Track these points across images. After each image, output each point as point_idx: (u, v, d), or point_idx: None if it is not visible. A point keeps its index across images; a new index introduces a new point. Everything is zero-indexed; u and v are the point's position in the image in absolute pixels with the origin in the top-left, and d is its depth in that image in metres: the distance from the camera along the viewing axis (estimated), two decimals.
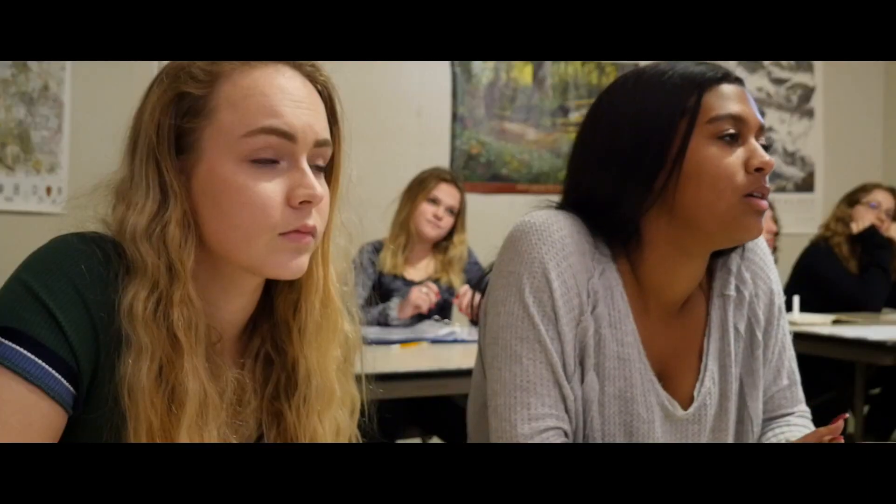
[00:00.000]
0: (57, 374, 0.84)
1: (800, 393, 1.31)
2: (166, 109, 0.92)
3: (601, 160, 1.14)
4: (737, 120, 1.12)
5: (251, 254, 0.92)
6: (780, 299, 1.28)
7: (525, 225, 1.13)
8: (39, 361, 0.84)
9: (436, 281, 3.18)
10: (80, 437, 0.89)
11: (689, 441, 1.18)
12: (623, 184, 1.12)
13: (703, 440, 1.19)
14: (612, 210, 1.13)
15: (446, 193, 3.18)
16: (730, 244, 1.17)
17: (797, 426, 1.28)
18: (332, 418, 1.03)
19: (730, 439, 1.22)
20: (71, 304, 0.85)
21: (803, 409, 1.32)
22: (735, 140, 1.12)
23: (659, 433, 1.15)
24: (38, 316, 0.84)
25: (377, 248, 3.20)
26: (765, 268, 1.27)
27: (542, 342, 1.09)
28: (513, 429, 1.08)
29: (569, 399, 1.10)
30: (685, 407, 1.18)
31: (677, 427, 1.17)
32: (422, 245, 3.22)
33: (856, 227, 3.75)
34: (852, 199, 3.85)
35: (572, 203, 1.18)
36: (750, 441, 1.23)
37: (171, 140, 0.92)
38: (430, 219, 3.16)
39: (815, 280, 3.76)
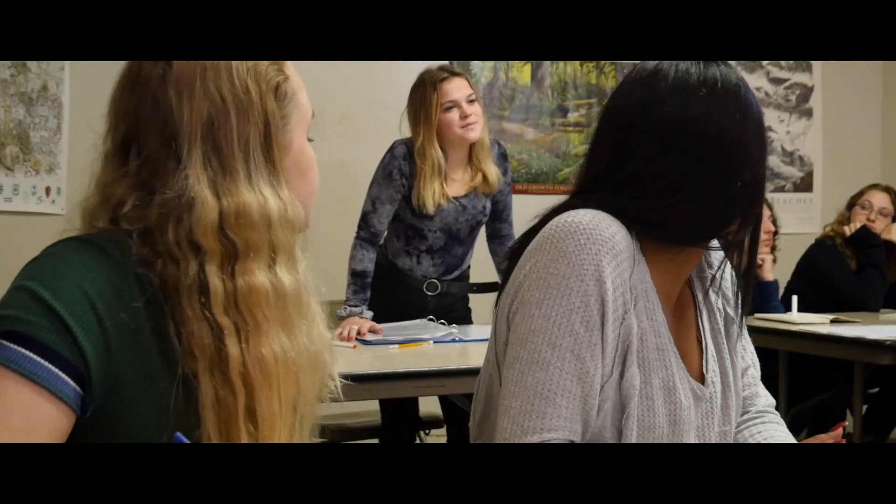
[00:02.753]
0: (63, 375, 0.84)
1: (759, 374, 1.36)
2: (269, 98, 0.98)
3: (710, 187, 1.12)
4: None
5: (309, 216, 1.04)
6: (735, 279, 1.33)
7: (570, 225, 1.08)
8: (43, 361, 0.84)
9: (467, 195, 2.91)
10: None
11: (707, 420, 1.19)
12: (730, 211, 1.14)
13: (716, 419, 1.20)
14: (700, 228, 1.14)
15: (457, 88, 2.82)
16: None
17: (773, 423, 1.32)
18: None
19: (734, 415, 1.24)
20: (77, 303, 0.86)
21: (771, 401, 1.36)
22: None
23: (693, 417, 1.16)
24: (43, 319, 0.85)
25: (411, 150, 2.85)
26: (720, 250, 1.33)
27: (577, 352, 1.06)
28: (524, 435, 1.05)
29: (591, 413, 1.08)
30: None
31: (701, 407, 1.18)
32: (457, 154, 2.88)
33: (848, 231, 3.80)
34: (851, 201, 3.91)
35: (621, 208, 1.13)
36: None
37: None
38: (462, 124, 2.80)
39: (816, 276, 3.80)
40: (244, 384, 0.91)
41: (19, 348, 0.83)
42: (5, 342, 0.84)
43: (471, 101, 2.82)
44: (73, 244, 0.91)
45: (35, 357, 0.83)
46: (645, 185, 1.12)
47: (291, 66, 1.01)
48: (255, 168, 0.94)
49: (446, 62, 2.99)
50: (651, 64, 1.17)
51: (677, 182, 1.11)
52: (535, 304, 1.07)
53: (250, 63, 0.95)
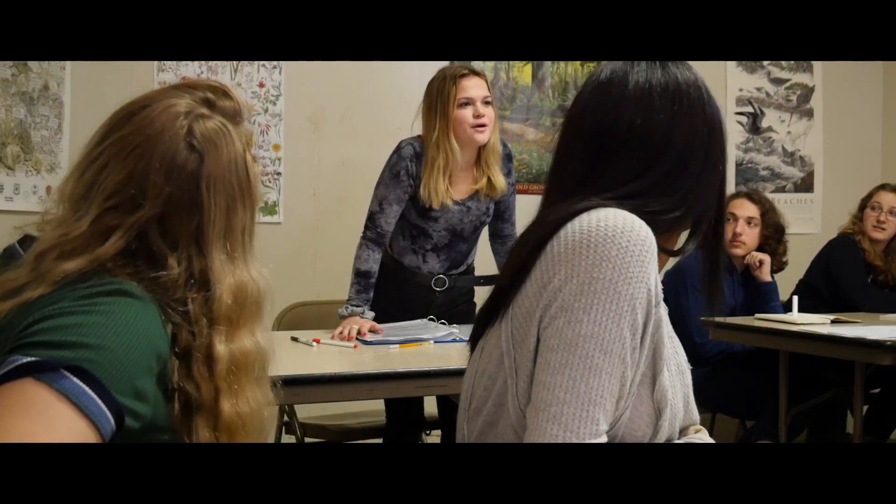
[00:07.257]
0: (108, 413, 0.93)
1: None
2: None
3: (700, 173, 1.17)
4: None
5: None
6: None
7: (606, 228, 1.07)
8: (97, 399, 0.92)
9: (472, 197, 2.90)
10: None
11: (690, 389, 1.23)
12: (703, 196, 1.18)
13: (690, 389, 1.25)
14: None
15: (475, 86, 2.80)
16: None
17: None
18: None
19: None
20: (143, 362, 0.97)
21: None
22: None
23: (691, 395, 1.20)
24: (110, 366, 0.94)
25: (417, 151, 2.83)
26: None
27: (623, 357, 1.06)
28: (580, 442, 1.04)
29: (620, 411, 1.09)
30: None
31: (684, 380, 1.22)
32: (465, 155, 2.84)
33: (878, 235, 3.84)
34: (861, 203, 3.97)
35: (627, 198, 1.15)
36: None
37: None
38: (474, 123, 2.76)
39: (827, 267, 3.86)
40: (227, 437, 1.04)
41: (81, 384, 0.92)
42: (70, 375, 0.92)
43: (486, 103, 2.81)
44: (138, 304, 1.00)
45: (91, 393, 0.92)
46: (627, 189, 1.15)
47: None
48: (245, 250, 1.08)
49: (462, 62, 2.97)
50: (606, 68, 1.17)
51: (653, 184, 1.15)
52: (583, 309, 1.06)
53: (241, 147, 1.07)
